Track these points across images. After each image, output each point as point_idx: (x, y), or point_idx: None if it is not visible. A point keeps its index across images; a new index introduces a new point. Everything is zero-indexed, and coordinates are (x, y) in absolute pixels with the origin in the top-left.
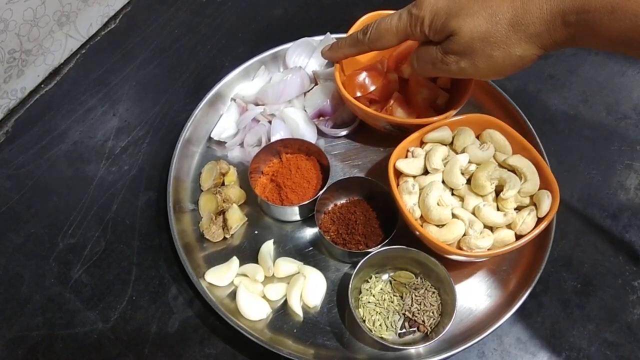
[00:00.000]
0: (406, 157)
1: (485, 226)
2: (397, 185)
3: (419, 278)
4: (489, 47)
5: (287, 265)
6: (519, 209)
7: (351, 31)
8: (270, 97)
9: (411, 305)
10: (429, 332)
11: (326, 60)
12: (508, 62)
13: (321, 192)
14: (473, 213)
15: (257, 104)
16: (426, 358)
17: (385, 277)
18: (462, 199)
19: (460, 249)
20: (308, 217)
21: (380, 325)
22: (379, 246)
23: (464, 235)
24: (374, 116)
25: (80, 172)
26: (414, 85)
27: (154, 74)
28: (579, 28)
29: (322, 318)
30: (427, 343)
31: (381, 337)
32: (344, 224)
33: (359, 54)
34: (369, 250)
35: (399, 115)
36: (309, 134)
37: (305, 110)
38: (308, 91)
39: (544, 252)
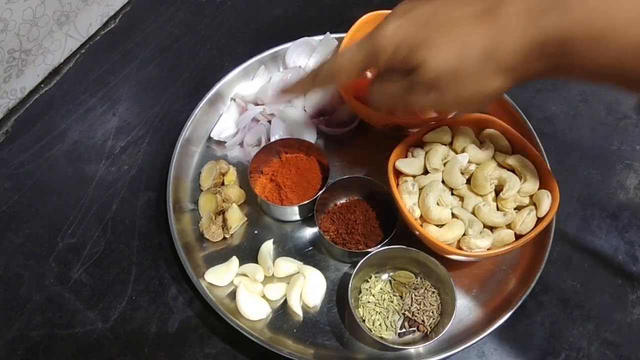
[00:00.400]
0: (406, 156)
1: (485, 226)
2: (397, 185)
3: (418, 278)
4: (457, 80)
5: (287, 265)
6: (518, 208)
7: (350, 31)
8: (270, 97)
9: (411, 305)
10: (428, 332)
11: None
12: (478, 97)
13: (321, 191)
14: (473, 213)
15: (256, 104)
16: (426, 358)
17: (385, 276)
18: (461, 198)
19: (460, 248)
20: (308, 217)
21: (380, 325)
22: (379, 246)
23: (464, 235)
24: (374, 116)
25: (79, 172)
26: None
27: (154, 73)
28: (561, 59)
29: (322, 318)
30: (427, 343)
31: (381, 337)
32: (344, 223)
33: (314, 90)
34: (369, 250)
35: (399, 115)
36: (308, 134)
37: (305, 110)
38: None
39: (544, 251)
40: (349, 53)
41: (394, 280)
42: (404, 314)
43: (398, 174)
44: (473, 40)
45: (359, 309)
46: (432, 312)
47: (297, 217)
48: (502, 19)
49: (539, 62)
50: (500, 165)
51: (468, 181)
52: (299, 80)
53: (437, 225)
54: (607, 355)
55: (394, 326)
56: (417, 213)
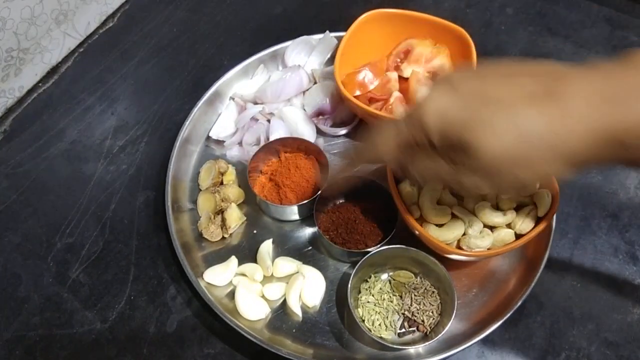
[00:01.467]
0: None
1: (485, 226)
2: (397, 184)
3: (418, 278)
4: (516, 168)
5: (286, 265)
6: (518, 208)
7: (349, 30)
8: (269, 96)
9: (410, 305)
10: (428, 332)
11: (325, 59)
12: (534, 181)
13: (320, 191)
14: (473, 212)
15: (255, 103)
16: (426, 358)
17: (384, 276)
18: (461, 198)
19: (460, 248)
20: (307, 217)
21: (379, 325)
22: (378, 246)
23: (464, 234)
24: (374, 115)
25: (78, 171)
26: (413, 84)
27: (152, 72)
28: (632, 151)
29: (321, 318)
30: (427, 343)
31: (380, 337)
32: (343, 223)
33: (352, 170)
34: (368, 249)
35: (399, 114)
36: (308, 133)
37: (304, 109)
38: (307, 90)
39: (544, 251)
40: (393, 129)
41: (394, 280)
42: (403, 313)
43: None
44: (534, 125)
45: (359, 309)
46: (432, 312)
47: (296, 217)
48: (567, 104)
49: (615, 153)
50: None
51: None
52: (341, 166)
53: (437, 225)
54: (607, 355)
55: (393, 326)
56: (417, 213)
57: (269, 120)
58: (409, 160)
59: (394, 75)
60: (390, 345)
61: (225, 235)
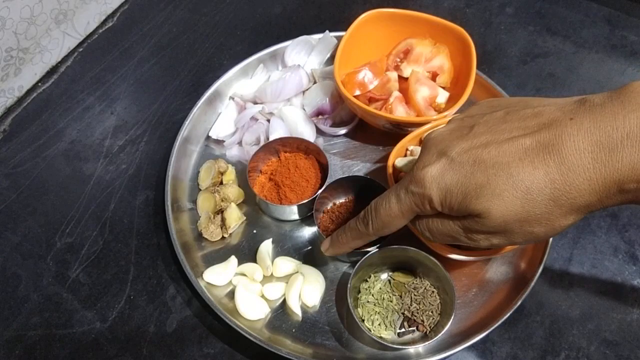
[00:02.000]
0: (405, 155)
1: None
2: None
3: (418, 277)
4: (528, 225)
5: (286, 265)
6: None
7: (349, 30)
8: (268, 96)
9: (410, 305)
10: (428, 332)
11: (325, 58)
12: (551, 234)
13: (320, 191)
14: None
15: (255, 103)
16: (425, 357)
17: (384, 276)
18: None
19: (460, 248)
20: (307, 216)
21: (379, 324)
22: (378, 245)
23: None
24: (373, 115)
25: (77, 171)
26: (413, 84)
27: (152, 72)
28: None
29: (321, 317)
30: (427, 342)
31: (380, 337)
32: (343, 223)
33: (364, 244)
34: (368, 249)
35: (399, 113)
36: (307, 133)
37: (304, 109)
38: (307, 89)
39: (544, 251)
40: (391, 202)
41: (394, 279)
42: (403, 313)
43: (397, 172)
44: (537, 184)
45: (358, 309)
46: (432, 312)
47: (296, 217)
48: (568, 158)
49: (616, 198)
50: None
51: None
52: (341, 236)
53: None
54: (606, 355)
55: (393, 326)
56: None
57: (268, 120)
58: (419, 222)
59: (393, 74)
60: (390, 345)
61: (225, 235)
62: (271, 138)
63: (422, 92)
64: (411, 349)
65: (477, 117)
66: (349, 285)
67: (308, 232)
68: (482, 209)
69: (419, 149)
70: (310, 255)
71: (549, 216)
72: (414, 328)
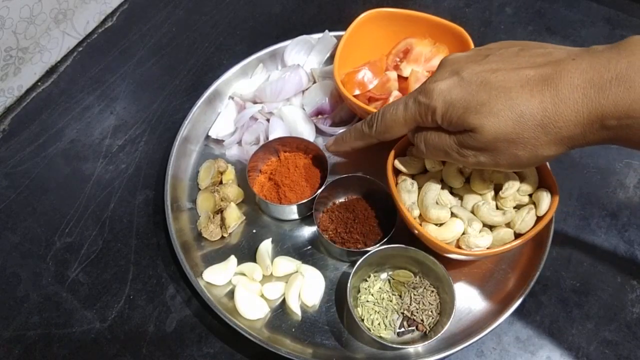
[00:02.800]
0: (405, 155)
1: (484, 225)
2: (396, 184)
3: (417, 277)
4: (514, 147)
5: (286, 264)
6: (518, 207)
7: (349, 29)
8: (268, 95)
9: (410, 304)
10: (427, 331)
11: (325, 58)
12: (533, 161)
13: (319, 190)
14: (472, 212)
15: (255, 102)
16: (425, 357)
17: (384, 276)
18: (461, 197)
19: (459, 247)
20: (306, 216)
21: (379, 324)
22: (378, 245)
23: (463, 234)
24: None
25: (77, 171)
26: (413, 83)
27: (152, 71)
28: (620, 132)
29: (321, 317)
30: (426, 342)
31: (380, 336)
32: (343, 222)
33: (366, 146)
34: (368, 249)
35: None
36: (307, 132)
37: (303, 109)
38: (306, 89)
39: (543, 250)
40: (398, 109)
41: (393, 279)
42: (403, 313)
43: (397, 172)
44: (531, 109)
45: (358, 308)
46: (431, 311)
47: (296, 216)
48: (562, 91)
49: (598, 134)
50: None
51: (467, 180)
52: (345, 134)
53: (436, 224)
54: (606, 355)
55: (392, 325)
56: (416, 212)
57: (268, 120)
58: (418, 134)
59: (393, 74)
60: (390, 344)
61: (225, 235)
62: (271, 138)
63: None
64: (411, 349)
65: (494, 49)
66: (348, 284)
67: (307, 231)
68: (477, 124)
69: None
70: (310, 255)
71: (535, 142)
72: (414, 328)
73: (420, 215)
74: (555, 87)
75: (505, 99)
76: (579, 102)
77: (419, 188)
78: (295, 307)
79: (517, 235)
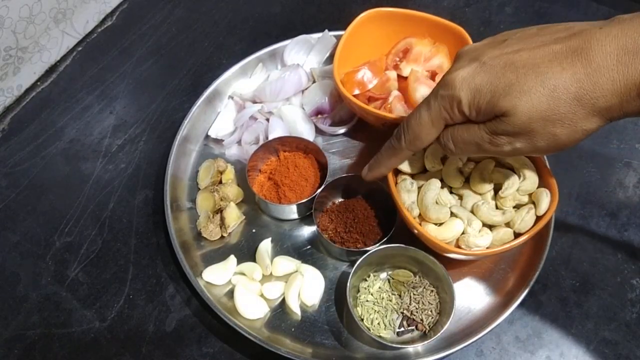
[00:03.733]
0: None
1: (484, 224)
2: (396, 183)
3: (417, 276)
4: (551, 125)
5: (285, 264)
6: (517, 207)
7: (348, 29)
8: (268, 95)
9: (409, 304)
10: (427, 331)
11: (324, 58)
12: (573, 138)
13: (319, 190)
14: (472, 211)
15: (254, 102)
16: (424, 357)
17: (383, 275)
18: (460, 197)
19: (459, 247)
20: (306, 216)
21: (378, 323)
22: (377, 244)
23: (463, 233)
24: (373, 114)
25: (76, 170)
26: (412, 83)
27: (151, 71)
28: None
29: (320, 317)
30: (426, 342)
31: (379, 336)
32: (342, 222)
33: (402, 162)
34: (367, 248)
35: (398, 113)
36: (306, 132)
37: (303, 108)
38: (306, 89)
39: (543, 250)
40: (422, 112)
41: (393, 279)
42: (402, 312)
43: (397, 172)
44: (564, 82)
45: (358, 308)
46: (431, 311)
47: (295, 216)
48: (594, 60)
49: (635, 102)
50: (499, 164)
51: (467, 180)
52: (377, 158)
53: (436, 224)
54: (606, 354)
55: (392, 325)
56: (416, 212)
57: (267, 119)
58: (444, 133)
59: (393, 74)
60: (389, 344)
61: (224, 234)
62: (270, 137)
63: (421, 91)
64: (410, 348)
65: (510, 34)
66: (348, 284)
67: (307, 231)
68: (509, 106)
69: None
70: (309, 255)
71: (573, 116)
72: (413, 327)
73: (420, 214)
74: (586, 56)
75: (535, 75)
76: (613, 70)
77: (419, 188)
78: (294, 306)
79: (517, 235)
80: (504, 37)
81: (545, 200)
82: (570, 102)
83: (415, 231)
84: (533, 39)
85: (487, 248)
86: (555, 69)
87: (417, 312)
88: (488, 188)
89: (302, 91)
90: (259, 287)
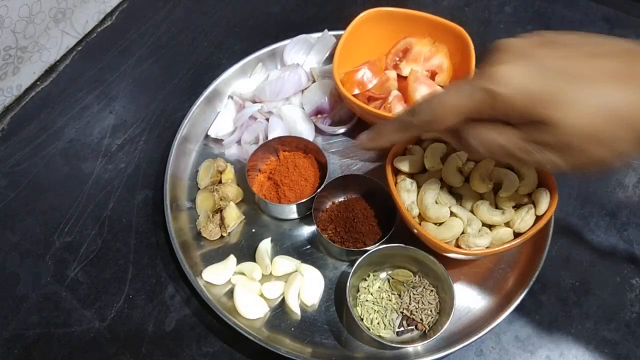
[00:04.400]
0: (404, 154)
1: (484, 224)
2: (395, 183)
3: (417, 276)
4: (594, 145)
5: (285, 264)
6: (517, 207)
7: (348, 29)
8: (267, 95)
9: (409, 304)
10: (427, 331)
11: (324, 57)
12: (608, 162)
13: (319, 190)
14: (471, 211)
15: (254, 102)
16: (424, 356)
17: (383, 275)
18: (460, 197)
19: (459, 247)
20: (306, 215)
21: (378, 323)
22: (377, 244)
23: (462, 233)
24: (372, 114)
25: (76, 170)
26: (412, 83)
27: (151, 71)
28: None
29: (320, 316)
30: (425, 341)
31: (379, 336)
32: (342, 222)
33: (407, 139)
34: (367, 248)
35: (398, 112)
36: (306, 132)
37: (303, 108)
38: (306, 88)
39: (542, 250)
40: (450, 94)
41: (393, 278)
42: (402, 312)
43: (396, 172)
44: (615, 103)
45: (357, 308)
46: (431, 311)
47: (295, 216)
48: None
49: None
50: (498, 163)
51: (467, 179)
52: (382, 127)
53: (436, 224)
54: (605, 354)
55: (392, 325)
56: (416, 211)
57: (267, 119)
58: (469, 129)
59: (392, 73)
60: (389, 343)
61: (224, 234)
62: (270, 137)
63: (421, 91)
64: (410, 348)
65: (550, 35)
66: (348, 284)
67: (307, 231)
68: (555, 116)
69: (417, 147)
70: (309, 255)
71: (619, 140)
72: (413, 327)
73: (420, 214)
74: (638, 77)
75: (589, 90)
76: None
77: (418, 187)
78: (294, 306)
79: (517, 235)
80: (549, 38)
81: (545, 200)
82: (620, 125)
83: (415, 231)
84: (594, 54)
85: (486, 248)
86: (612, 89)
87: (416, 311)
88: (488, 188)
89: (302, 91)
90: (259, 287)
